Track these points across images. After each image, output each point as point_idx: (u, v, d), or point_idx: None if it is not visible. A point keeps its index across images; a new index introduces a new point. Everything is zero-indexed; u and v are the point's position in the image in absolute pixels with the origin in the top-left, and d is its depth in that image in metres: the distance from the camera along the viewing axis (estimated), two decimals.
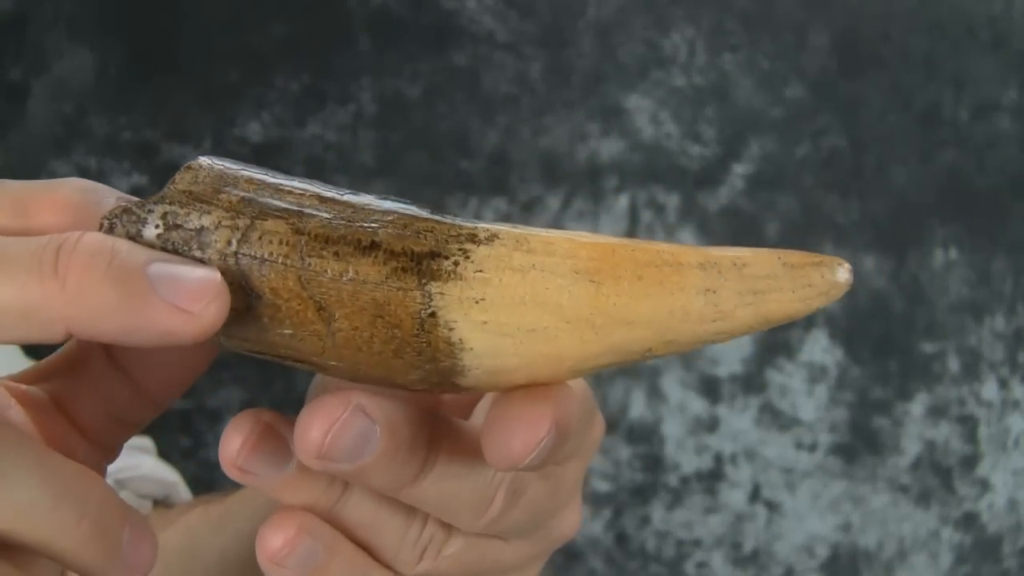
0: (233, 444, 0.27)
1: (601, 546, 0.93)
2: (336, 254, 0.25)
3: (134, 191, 0.93)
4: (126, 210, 0.25)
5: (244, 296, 0.25)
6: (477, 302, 0.24)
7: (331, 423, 0.25)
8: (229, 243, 0.25)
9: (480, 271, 0.24)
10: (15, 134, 0.92)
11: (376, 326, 0.25)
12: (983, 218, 0.93)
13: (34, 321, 0.23)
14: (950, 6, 0.91)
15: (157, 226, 0.25)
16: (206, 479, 0.88)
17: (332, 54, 0.91)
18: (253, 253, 0.25)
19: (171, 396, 0.29)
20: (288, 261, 0.25)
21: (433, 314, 0.24)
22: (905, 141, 0.92)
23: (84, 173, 0.92)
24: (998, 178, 0.92)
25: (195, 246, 0.25)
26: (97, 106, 0.92)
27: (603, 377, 0.92)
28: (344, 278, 0.25)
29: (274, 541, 0.27)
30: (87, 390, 0.28)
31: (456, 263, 0.24)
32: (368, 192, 0.27)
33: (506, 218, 0.91)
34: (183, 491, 0.54)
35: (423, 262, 0.24)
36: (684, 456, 0.92)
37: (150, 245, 0.25)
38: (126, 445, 0.29)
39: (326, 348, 0.25)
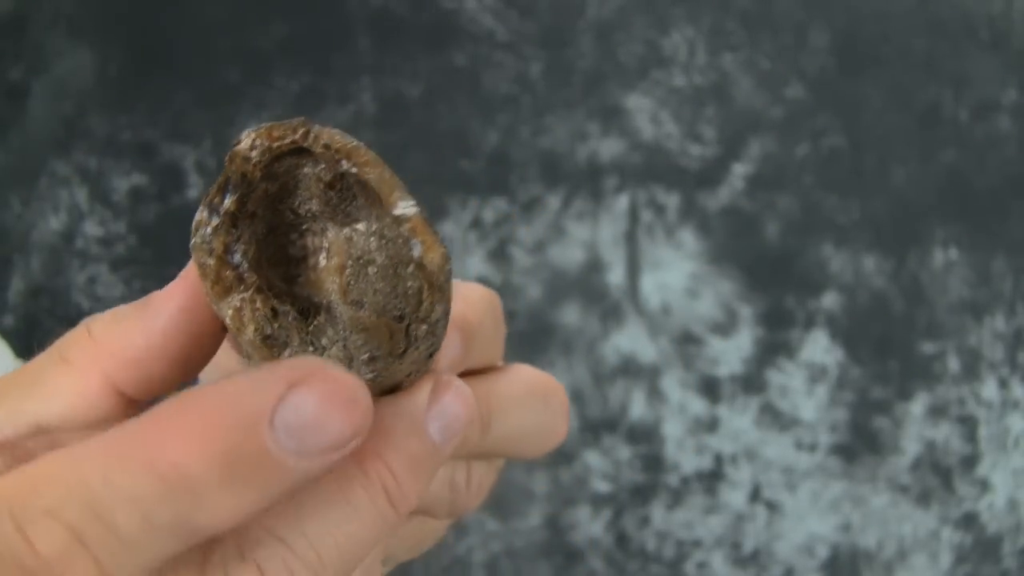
0: None
1: (601, 546, 0.93)
2: None
3: (134, 191, 0.94)
4: None
5: None
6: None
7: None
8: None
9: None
10: (15, 134, 0.92)
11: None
12: (983, 218, 0.93)
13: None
14: (950, 6, 0.91)
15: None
16: None
17: (332, 54, 0.91)
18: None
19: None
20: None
21: None
22: (905, 141, 0.92)
23: (84, 173, 0.92)
24: (998, 178, 0.92)
25: None
26: (97, 106, 0.92)
27: (603, 377, 0.92)
28: None
29: None
30: None
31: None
32: None
33: (507, 218, 0.91)
34: None
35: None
36: (684, 456, 0.92)
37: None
38: None
39: None
